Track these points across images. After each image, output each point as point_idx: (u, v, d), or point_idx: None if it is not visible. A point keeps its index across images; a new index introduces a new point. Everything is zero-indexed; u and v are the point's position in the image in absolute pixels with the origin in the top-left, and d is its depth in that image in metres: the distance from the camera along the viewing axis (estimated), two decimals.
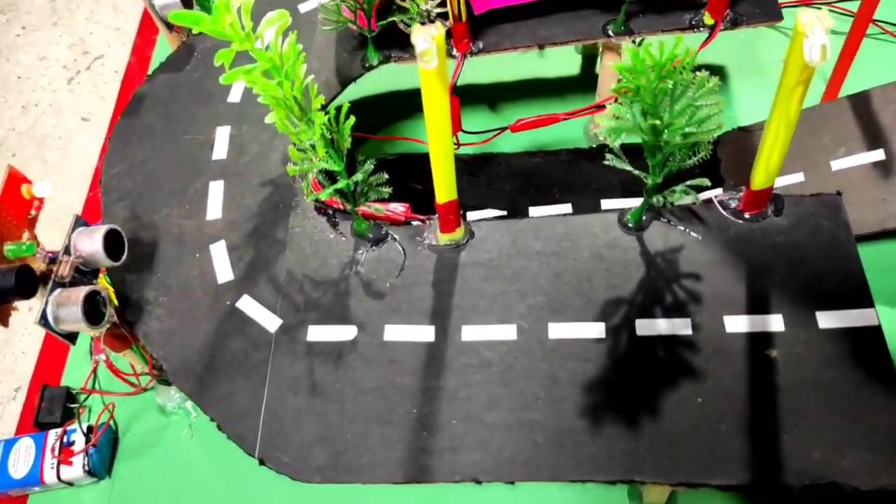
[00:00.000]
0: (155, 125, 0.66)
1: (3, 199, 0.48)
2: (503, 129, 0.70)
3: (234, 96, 0.67)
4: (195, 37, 0.72)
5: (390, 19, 0.61)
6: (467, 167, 0.77)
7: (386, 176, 0.51)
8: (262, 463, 0.49)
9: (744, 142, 0.70)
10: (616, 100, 0.43)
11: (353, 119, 0.47)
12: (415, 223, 0.57)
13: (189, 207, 0.60)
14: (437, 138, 0.43)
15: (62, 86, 1.02)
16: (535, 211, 0.72)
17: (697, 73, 0.41)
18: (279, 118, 0.48)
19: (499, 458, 0.47)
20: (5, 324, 0.47)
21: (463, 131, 0.70)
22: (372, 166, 0.50)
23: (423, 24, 0.43)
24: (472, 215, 0.72)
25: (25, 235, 0.49)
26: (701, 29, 0.61)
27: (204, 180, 0.62)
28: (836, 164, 0.64)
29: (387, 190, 0.51)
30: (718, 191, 0.57)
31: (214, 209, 0.60)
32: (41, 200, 0.55)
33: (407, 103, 0.82)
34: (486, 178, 0.77)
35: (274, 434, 0.50)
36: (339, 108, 0.47)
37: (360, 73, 0.65)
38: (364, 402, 0.50)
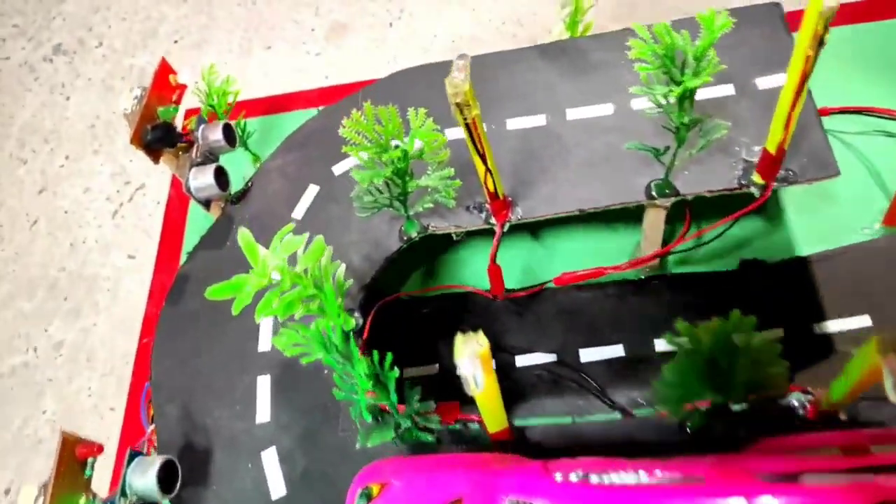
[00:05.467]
0: (199, 312, 0.66)
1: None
2: (545, 283, 0.68)
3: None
4: (233, 206, 0.72)
5: (426, 204, 0.59)
6: (515, 306, 0.75)
7: (433, 402, 0.50)
8: None
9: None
10: None
11: (396, 371, 0.46)
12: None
13: (239, 408, 0.60)
14: (493, 423, 0.42)
15: (107, 221, 1.03)
16: (585, 354, 0.71)
17: None
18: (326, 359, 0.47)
19: None
20: None
21: (506, 290, 0.68)
22: (418, 395, 0.49)
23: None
24: (520, 360, 0.71)
25: None
26: (751, 188, 0.58)
27: (251, 375, 0.62)
28: None
29: (436, 417, 0.50)
30: None
31: (263, 410, 0.60)
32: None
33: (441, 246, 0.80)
34: (534, 317, 0.75)
35: None
36: (383, 355, 0.46)
37: (400, 247, 0.64)
38: None
